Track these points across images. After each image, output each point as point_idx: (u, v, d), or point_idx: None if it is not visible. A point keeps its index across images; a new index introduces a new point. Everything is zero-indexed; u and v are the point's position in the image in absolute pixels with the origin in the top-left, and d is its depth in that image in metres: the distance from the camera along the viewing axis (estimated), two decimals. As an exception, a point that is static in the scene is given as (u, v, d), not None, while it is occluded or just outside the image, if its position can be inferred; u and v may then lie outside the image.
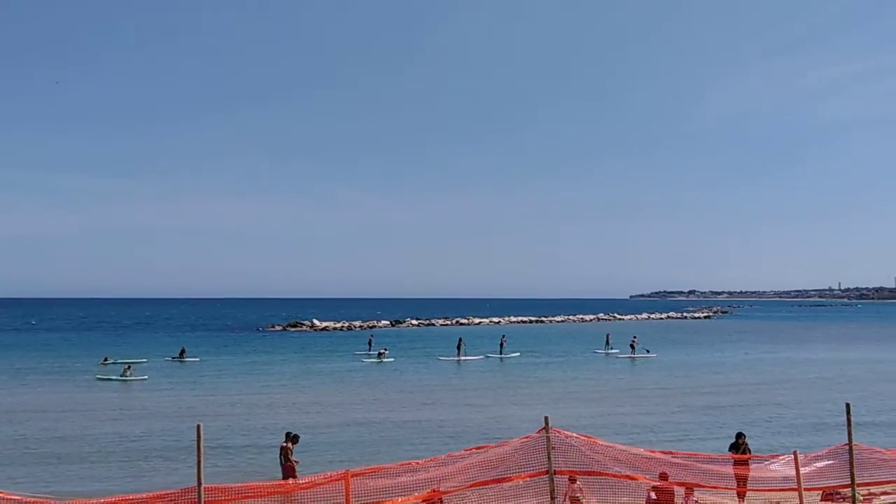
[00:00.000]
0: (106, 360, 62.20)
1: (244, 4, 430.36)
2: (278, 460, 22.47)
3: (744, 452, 19.15)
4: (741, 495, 18.10)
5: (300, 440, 22.85)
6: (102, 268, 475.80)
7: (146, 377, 52.88)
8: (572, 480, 17.76)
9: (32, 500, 15.91)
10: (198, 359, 66.19)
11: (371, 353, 70.12)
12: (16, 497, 15.85)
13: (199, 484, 15.56)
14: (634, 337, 75.04)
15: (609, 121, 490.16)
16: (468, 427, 33.11)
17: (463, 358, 66.91)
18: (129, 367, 54.29)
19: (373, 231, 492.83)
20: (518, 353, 71.36)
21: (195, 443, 15.10)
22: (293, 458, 22.29)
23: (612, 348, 75.61)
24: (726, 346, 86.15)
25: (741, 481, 18.04)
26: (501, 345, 73.13)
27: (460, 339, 70.81)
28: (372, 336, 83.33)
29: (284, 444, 22.60)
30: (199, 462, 15.61)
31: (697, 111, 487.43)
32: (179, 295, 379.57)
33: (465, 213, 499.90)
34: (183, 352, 67.53)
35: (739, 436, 19.94)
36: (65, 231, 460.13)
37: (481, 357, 68.79)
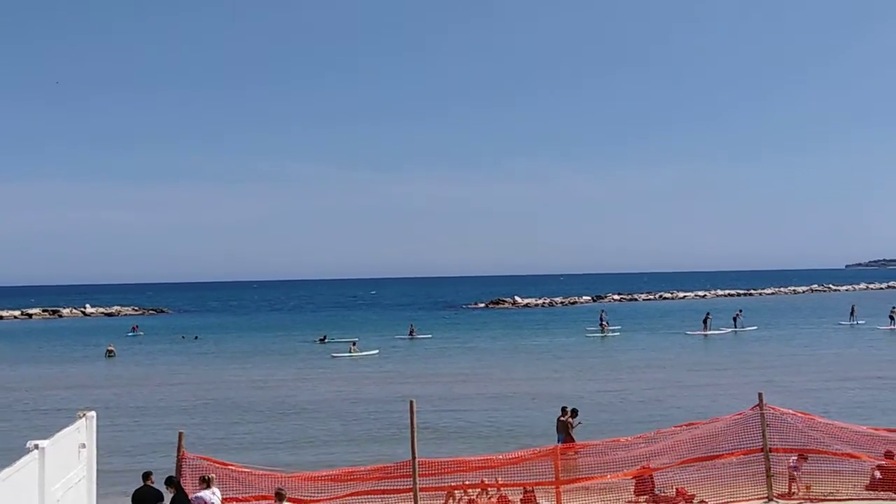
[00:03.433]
0: (324, 338, 65.19)
1: None
2: (557, 434, 22.88)
3: None
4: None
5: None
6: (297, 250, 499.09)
7: (376, 351, 55.40)
8: (803, 458, 17.18)
9: (262, 472, 16.98)
10: (430, 335, 68.18)
11: (612, 328, 69.56)
12: (245, 469, 16.99)
13: (414, 458, 16.17)
14: (894, 307, 70.63)
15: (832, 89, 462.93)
16: (684, 403, 32.28)
17: (710, 332, 65.53)
18: (354, 343, 56.80)
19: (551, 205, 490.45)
20: (755, 327, 69.09)
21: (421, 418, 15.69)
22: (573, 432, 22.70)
23: (857, 320, 71.74)
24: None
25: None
26: (735, 318, 70.74)
27: (707, 314, 69.65)
28: (603, 311, 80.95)
29: (565, 419, 23.00)
30: (412, 437, 16.22)
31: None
32: (363, 276, 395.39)
33: (659, 185, 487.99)
34: (412, 330, 69.49)
35: None
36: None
37: (730, 331, 67.07)
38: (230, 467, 16.77)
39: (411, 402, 16.41)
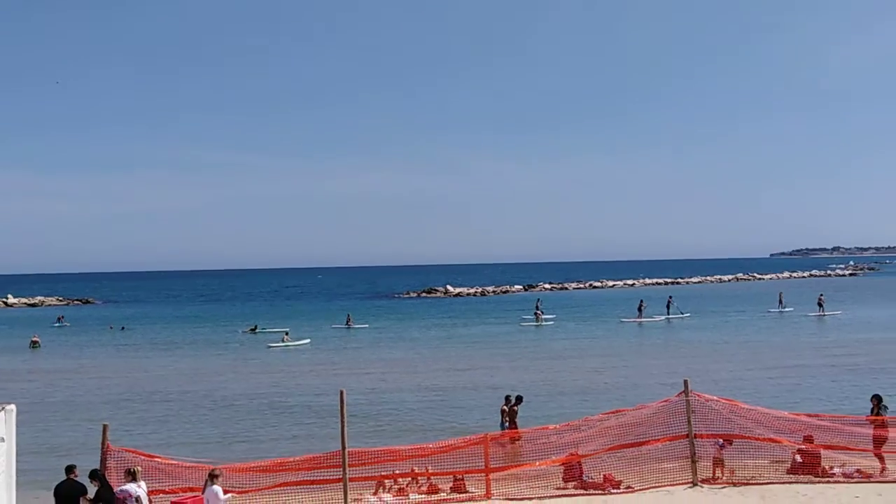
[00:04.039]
0: (254, 328, 64.54)
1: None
2: (501, 421, 22.92)
3: (877, 415, 18.43)
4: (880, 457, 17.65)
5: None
6: (234, 239, 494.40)
7: (308, 341, 55.22)
8: (729, 442, 17.57)
9: (190, 464, 16.76)
10: (367, 325, 67.58)
11: (547, 317, 69.62)
12: (172, 461, 16.76)
13: (344, 448, 16.12)
14: (822, 294, 72.51)
15: (746, 77, 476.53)
16: (617, 391, 32.68)
17: (644, 319, 66.46)
18: (287, 333, 56.49)
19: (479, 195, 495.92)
20: (688, 314, 70.00)
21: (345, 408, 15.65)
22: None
23: (785, 307, 73.06)
24: (877, 303, 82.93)
25: (879, 443, 17.64)
26: (668, 306, 71.40)
27: (641, 301, 70.58)
28: (539, 300, 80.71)
29: (508, 406, 23.04)
30: (342, 427, 16.17)
31: (832, 65, 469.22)
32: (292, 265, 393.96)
33: (589, 175, 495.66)
34: (349, 319, 68.70)
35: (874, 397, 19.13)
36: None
37: (663, 318, 67.97)
38: (156, 459, 16.55)
39: (341, 392, 16.36)
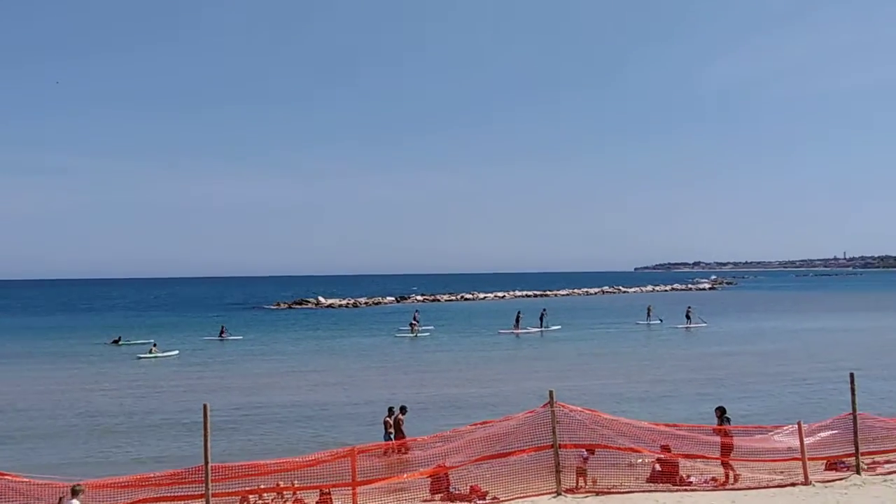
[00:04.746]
0: (118, 340, 62.28)
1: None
2: (385, 433, 22.71)
3: (722, 425, 19.26)
4: (727, 464, 18.46)
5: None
6: (98, 247, 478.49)
7: (176, 352, 53.89)
8: (591, 452, 17.97)
9: (44, 481, 16.07)
10: (241, 337, 65.75)
11: (423, 328, 69.16)
12: (25, 479, 16.03)
13: (206, 463, 15.74)
14: (690, 307, 75.01)
15: (612, 97, 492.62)
16: (479, 402, 33.02)
17: (521, 331, 66.99)
18: (155, 345, 54.78)
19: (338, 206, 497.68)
20: (559, 327, 70.84)
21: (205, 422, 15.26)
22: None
23: (653, 320, 75.23)
24: (738, 316, 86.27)
25: (726, 452, 18.45)
26: (541, 318, 72.04)
27: (518, 313, 71.06)
28: (417, 311, 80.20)
29: (398, 417, 22.90)
30: (205, 441, 15.78)
31: (698, 84, 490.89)
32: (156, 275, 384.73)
33: (457, 189, 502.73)
34: (223, 330, 66.72)
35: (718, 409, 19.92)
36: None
37: (537, 330, 68.47)
38: (7, 477, 15.80)
39: (204, 406, 16.00)
